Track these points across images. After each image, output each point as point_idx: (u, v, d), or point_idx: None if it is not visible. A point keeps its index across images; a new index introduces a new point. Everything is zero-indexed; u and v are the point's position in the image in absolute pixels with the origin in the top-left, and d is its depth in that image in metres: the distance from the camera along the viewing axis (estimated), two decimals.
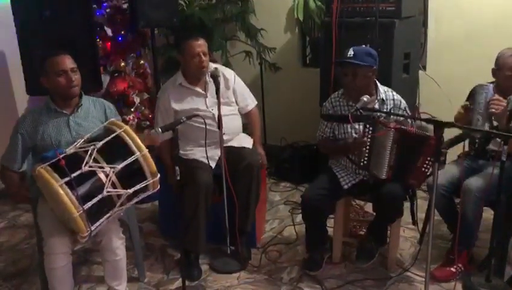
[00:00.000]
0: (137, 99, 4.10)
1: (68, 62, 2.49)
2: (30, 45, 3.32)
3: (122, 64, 3.99)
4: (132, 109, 4.09)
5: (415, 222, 2.88)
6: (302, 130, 4.48)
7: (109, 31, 4.03)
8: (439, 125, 2.18)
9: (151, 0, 3.61)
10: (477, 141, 2.91)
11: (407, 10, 3.47)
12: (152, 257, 3.20)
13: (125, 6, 3.99)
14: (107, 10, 3.96)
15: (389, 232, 2.95)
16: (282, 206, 3.90)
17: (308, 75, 4.52)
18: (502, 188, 2.53)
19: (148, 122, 4.18)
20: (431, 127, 2.34)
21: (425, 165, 2.51)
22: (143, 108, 4.15)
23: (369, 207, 3.63)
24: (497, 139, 2.78)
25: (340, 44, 3.58)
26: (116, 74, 4.07)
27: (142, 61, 4.16)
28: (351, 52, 2.67)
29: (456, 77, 3.83)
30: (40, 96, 3.08)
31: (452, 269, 2.81)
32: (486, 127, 2.54)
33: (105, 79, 3.99)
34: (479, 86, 2.60)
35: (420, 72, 3.93)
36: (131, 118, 4.03)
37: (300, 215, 3.63)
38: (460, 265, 2.82)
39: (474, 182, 2.74)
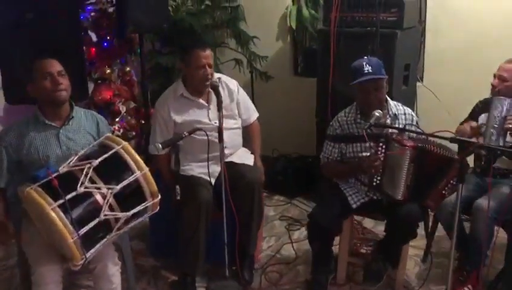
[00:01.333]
0: (123, 109, 3.87)
1: (55, 65, 2.32)
2: (10, 49, 3.06)
3: (108, 71, 3.76)
4: (117, 119, 3.86)
5: (430, 245, 2.77)
6: (294, 141, 4.35)
7: (93, 36, 3.80)
8: (466, 145, 2.06)
9: (140, 4, 3.40)
10: (483, 157, 2.82)
11: (408, 21, 3.39)
12: (144, 279, 2.99)
13: (111, 10, 3.77)
14: (92, 14, 3.73)
15: None
16: (278, 222, 3.74)
17: (300, 85, 4.42)
18: None
19: (134, 133, 3.96)
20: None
21: (446, 188, 2.39)
22: (129, 117, 3.93)
23: (367, 223, 3.52)
24: (504, 157, 2.71)
25: (338, 54, 3.48)
26: (100, 81, 3.84)
27: (128, 68, 3.94)
28: (367, 68, 2.52)
29: (454, 88, 3.77)
30: (20, 105, 2.88)
31: None
32: (501, 143, 2.42)
33: (89, 87, 3.76)
34: (496, 99, 2.48)
35: (417, 83, 3.85)
36: (117, 128, 3.80)
37: (297, 232, 3.55)
38: (470, 286, 2.73)
39: (486, 202, 2.65)
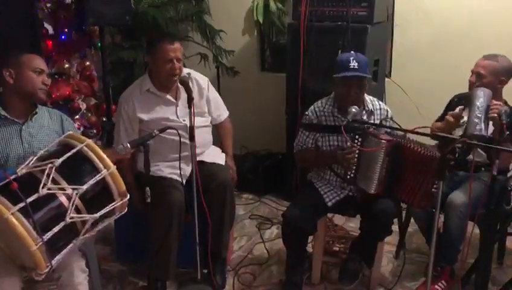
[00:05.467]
0: (83, 105, 3.68)
1: (45, 65, 2.25)
2: None
3: (66, 66, 3.55)
4: (77, 116, 3.66)
5: (402, 241, 2.74)
6: (263, 138, 4.28)
7: (50, 29, 3.57)
8: (448, 141, 2.02)
9: None
10: (457, 150, 2.81)
11: (378, 15, 3.37)
12: (110, 285, 2.83)
13: (68, 0, 3.55)
14: (48, 5, 3.51)
15: None
16: (248, 221, 3.65)
17: (268, 80, 4.35)
18: (491, 202, 2.42)
19: (94, 131, 3.78)
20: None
21: (435, 186, 2.34)
22: (89, 115, 3.74)
23: (337, 219, 3.48)
24: (479, 150, 2.70)
25: (308, 49, 3.41)
26: (58, 77, 3.62)
27: (88, 63, 3.74)
28: (354, 64, 2.43)
29: (421, 84, 3.78)
30: None
31: (436, 286, 2.70)
32: (484, 132, 2.36)
33: None
34: (478, 89, 2.44)
35: (385, 79, 3.85)
36: (77, 126, 3.59)
37: (268, 231, 3.48)
38: (443, 281, 2.72)
39: (458, 197, 2.64)
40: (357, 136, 2.41)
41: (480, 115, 2.26)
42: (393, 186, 2.43)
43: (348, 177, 2.49)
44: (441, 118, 2.90)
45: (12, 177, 1.86)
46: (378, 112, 2.64)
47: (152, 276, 2.65)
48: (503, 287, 2.61)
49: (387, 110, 2.67)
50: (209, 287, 2.71)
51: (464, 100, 2.78)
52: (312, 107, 2.69)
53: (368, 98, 2.64)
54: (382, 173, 2.39)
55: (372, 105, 2.63)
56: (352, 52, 2.56)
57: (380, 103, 2.69)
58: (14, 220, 1.75)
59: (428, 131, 2.16)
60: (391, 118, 2.66)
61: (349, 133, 2.42)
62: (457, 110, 2.70)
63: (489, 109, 2.31)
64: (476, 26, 3.57)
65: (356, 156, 2.44)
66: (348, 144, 2.44)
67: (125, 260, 3.04)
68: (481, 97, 2.33)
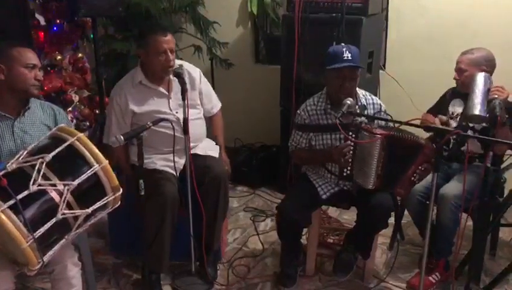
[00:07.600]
0: (75, 97, 3.65)
1: (37, 59, 2.17)
2: None
3: (59, 57, 3.51)
4: (69, 109, 3.63)
5: (396, 233, 2.75)
6: (257, 131, 4.26)
7: (42, 20, 3.53)
8: (441, 133, 2.01)
9: None
10: (452, 141, 2.80)
11: (373, 7, 3.35)
12: (104, 278, 2.83)
13: None
14: None
15: None
16: (242, 213, 3.64)
17: (262, 73, 4.32)
18: (484, 194, 2.42)
19: (87, 123, 3.75)
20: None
21: (415, 175, 2.34)
22: (82, 107, 3.72)
23: (331, 211, 3.49)
24: (476, 141, 2.70)
25: (303, 41, 3.39)
26: (50, 69, 3.58)
27: (80, 55, 3.70)
28: (347, 55, 2.41)
29: (416, 76, 3.77)
30: None
31: (430, 278, 2.72)
32: (483, 113, 2.34)
33: None
34: (478, 74, 2.38)
35: (380, 71, 3.83)
36: (70, 118, 3.57)
37: (262, 223, 3.48)
38: (437, 273, 2.74)
39: (451, 189, 2.64)
40: (350, 133, 2.39)
41: (480, 98, 2.25)
42: (391, 181, 2.41)
43: (345, 174, 2.47)
44: (433, 109, 2.90)
45: (2, 173, 1.84)
46: (371, 106, 2.62)
47: (146, 268, 2.64)
48: (495, 278, 2.63)
49: (380, 104, 2.64)
50: (202, 280, 2.72)
51: (458, 93, 2.78)
52: (304, 105, 2.65)
53: (360, 92, 2.62)
54: (379, 168, 2.37)
55: (365, 99, 2.61)
56: (343, 44, 2.53)
57: (373, 97, 2.67)
58: (4, 217, 1.72)
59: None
60: (384, 112, 2.64)
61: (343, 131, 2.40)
62: (444, 118, 2.75)
63: (490, 91, 2.30)
64: (470, 18, 3.56)
65: (351, 151, 2.42)
66: (337, 136, 2.42)
67: (119, 252, 3.04)
68: (481, 80, 2.32)
